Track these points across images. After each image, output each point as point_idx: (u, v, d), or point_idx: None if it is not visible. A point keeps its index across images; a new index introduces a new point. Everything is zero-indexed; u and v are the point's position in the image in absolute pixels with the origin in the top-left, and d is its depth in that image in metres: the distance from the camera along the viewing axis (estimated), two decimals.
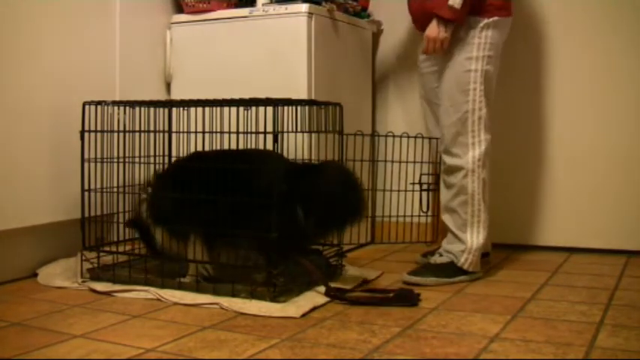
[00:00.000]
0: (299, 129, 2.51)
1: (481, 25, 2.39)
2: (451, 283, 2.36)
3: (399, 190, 2.78)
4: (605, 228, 2.93)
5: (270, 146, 2.18)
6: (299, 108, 2.52)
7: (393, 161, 2.78)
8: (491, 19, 2.39)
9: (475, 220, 2.42)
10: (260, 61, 2.77)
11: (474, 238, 2.42)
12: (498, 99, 2.65)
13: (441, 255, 2.47)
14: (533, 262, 2.75)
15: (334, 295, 2.13)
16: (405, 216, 2.79)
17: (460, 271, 2.40)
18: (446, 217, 2.49)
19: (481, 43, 2.39)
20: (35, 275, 2.42)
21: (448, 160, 2.45)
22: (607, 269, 2.61)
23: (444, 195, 2.50)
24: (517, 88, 3.02)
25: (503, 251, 2.92)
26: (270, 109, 2.19)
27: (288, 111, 2.45)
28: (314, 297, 2.13)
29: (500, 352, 1.64)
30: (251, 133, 2.33)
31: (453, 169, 2.44)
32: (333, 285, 2.19)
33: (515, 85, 3.01)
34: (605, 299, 2.14)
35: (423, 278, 2.36)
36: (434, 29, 2.37)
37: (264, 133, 2.19)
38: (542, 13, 2.97)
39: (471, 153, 2.41)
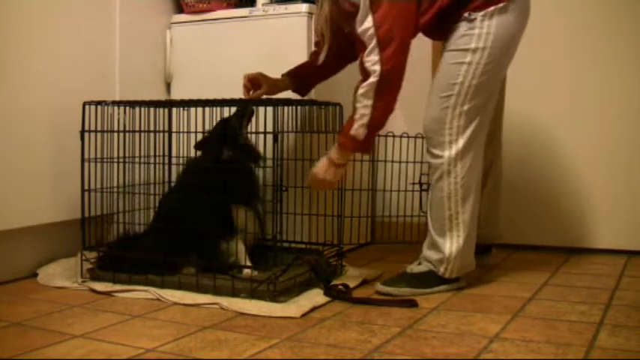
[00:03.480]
0: (299, 129, 2.51)
1: (478, 18, 2.17)
2: (428, 294, 2.20)
3: (399, 190, 2.77)
4: (605, 228, 2.93)
5: (270, 146, 2.18)
6: (299, 108, 2.52)
7: (393, 161, 2.78)
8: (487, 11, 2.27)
9: (453, 223, 2.20)
10: (260, 61, 2.75)
11: (453, 244, 2.20)
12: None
13: (419, 263, 2.28)
14: (533, 262, 2.75)
15: (334, 295, 2.14)
16: (405, 216, 2.79)
17: (441, 280, 2.23)
18: (428, 220, 2.28)
19: (479, 34, 2.16)
20: (35, 275, 2.42)
21: (428, 158, 2.28)
22: (607, 269, 2.61)
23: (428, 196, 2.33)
24: (518, 88, 3.02)
25: (504, 251, 2.92)
26: (270, 109, 2.20)
27: (288, 111, 2.45)
28: (314, 297, 2.13)
29: (500, 352, 1.64)
30: (251, 133, 2.34)
31: (432, 169, 2.25)
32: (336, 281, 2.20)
33: (516, 84, 3.00)
34: (605, 299, 2.14)
35: (396, 289, 2.19)
36: (322, 168, 2.25)
37: (264, 133, 2.19)
38: (547, 12, 2.97)
39: (448, 152, 2.18)
